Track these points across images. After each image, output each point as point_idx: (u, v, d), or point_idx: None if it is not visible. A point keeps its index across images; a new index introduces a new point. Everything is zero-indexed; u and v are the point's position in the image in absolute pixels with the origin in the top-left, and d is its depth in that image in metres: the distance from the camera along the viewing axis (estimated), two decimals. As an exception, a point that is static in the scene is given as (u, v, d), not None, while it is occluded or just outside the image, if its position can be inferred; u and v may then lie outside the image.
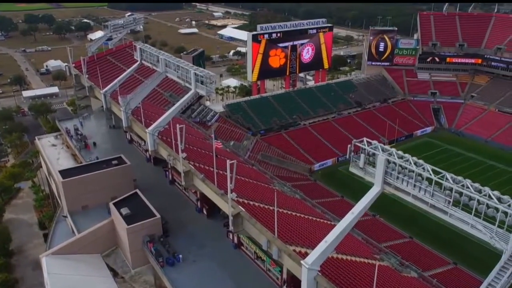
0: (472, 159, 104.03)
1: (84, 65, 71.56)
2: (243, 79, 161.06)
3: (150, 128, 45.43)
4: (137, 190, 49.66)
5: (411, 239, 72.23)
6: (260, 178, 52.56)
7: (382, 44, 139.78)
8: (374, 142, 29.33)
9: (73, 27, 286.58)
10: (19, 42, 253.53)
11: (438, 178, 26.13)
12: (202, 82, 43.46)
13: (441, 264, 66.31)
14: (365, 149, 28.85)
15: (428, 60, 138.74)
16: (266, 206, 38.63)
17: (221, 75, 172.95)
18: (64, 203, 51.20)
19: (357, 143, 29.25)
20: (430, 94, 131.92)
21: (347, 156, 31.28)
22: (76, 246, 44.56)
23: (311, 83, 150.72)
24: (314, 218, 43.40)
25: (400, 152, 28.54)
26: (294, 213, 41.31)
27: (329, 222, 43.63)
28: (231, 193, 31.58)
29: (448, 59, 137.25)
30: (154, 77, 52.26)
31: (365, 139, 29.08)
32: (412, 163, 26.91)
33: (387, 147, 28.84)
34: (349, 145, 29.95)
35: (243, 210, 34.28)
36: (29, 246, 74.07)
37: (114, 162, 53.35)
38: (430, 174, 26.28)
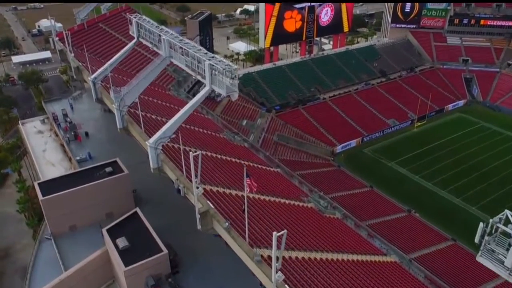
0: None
1: (68, 40, 58.89)
2: (252, 42, 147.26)
3: (152, 139, 34.55)
4: (137, 209, 39.41)
5: (454, 242, 62.70)
6: (290, 192, 42.17)
7: (408, 4, 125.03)
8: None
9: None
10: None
11: None
12: (221, 76, 32.15)
13: (493, 276, 57.25)
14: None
15: (456, 22, 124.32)
16: (312, 256, 28.60)
17: (228, 38, 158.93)
18: (47, 223, 41.21)
19: (498, 224, 18.37)
20: (461, 62, 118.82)
21: (476, 240, 20.41)
22: (61, 288, 34.87)
23: (327, 47, 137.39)
24: (371, 258, 33.50)
25: None
26: (346, 258, 31.39)
27: (391, 260, 33.63)
28: (276, 272, 21.18)
29: (482, 21, 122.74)
30: (155, 64, 40.70)
31: (507, 212, 18.12)
32: None
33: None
34: (481, 223, 19.06)
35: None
36: (17, 248, 64.93)
37: (109, 169, 42.78)
38: None
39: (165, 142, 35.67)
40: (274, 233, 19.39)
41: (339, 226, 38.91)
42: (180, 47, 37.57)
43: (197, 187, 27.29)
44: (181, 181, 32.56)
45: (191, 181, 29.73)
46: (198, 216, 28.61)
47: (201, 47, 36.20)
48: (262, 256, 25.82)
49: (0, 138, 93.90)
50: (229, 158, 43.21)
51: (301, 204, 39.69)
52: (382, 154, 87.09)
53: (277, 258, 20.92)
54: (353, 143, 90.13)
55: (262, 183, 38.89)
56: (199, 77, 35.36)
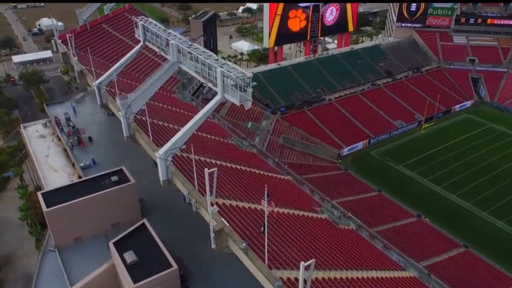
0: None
1: (71, 44, 57.14)
2: (255, 41, 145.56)
3: (161, 151, 32.96)
4: (145, 221, 37.94)
5: (466, 249, 61.32)
6: (303, 202, 40.78)
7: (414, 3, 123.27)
8: None
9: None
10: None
11: None
12: (234, 85, 30.61)
13: (507, 284, 55.80)
14: None
15: (463, 20, 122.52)
16: (332, 275, 27.17)
17: (230, 37, 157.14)
18: (51, 235, 39.79)
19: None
20: (468, 61, 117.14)
21: None
22: (67, 305, 33.51)
23: (331, 46, 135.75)
24: (391, 275, 32.10)
25: None
26: (366, 275, 29.96)
27: (410, 275, 32.18)
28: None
29: (489, 20, 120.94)
30: (162, 69, 39.11)
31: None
32: None
33: None
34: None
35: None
36: (19, 255, 63.57)
37: (114, 178, 41.30)
38: None
39: (175, 153, 34.17)
40: (302, 263, 17.95)
41: (355, 238, 37.47)
42: (189, 52, 35.99)
43: (212, 205, 25.83)
44: (193, 195, 31.06)
45: (203, 195, 28.24)
46: (212, 235, 27.15)
47: (211, 53, 34.66)
48: (282, 279, 24.41)
49: (1, 140, 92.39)
50: (239, 167, 41.74)
51: (314, 215, 38.25)
52: (390, 156, 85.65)
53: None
54: (360, 145, 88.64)
55: (274, 194, 37.48)
56: (210, 85, 33.84)
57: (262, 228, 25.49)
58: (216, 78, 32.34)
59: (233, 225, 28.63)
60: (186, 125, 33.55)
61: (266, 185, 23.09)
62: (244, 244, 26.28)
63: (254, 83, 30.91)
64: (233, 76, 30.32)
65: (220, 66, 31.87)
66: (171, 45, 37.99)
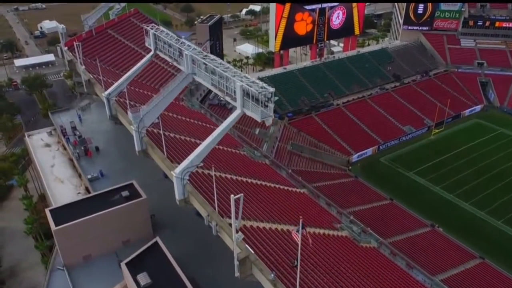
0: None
1: (78, 52, 55.38)
2: (260, 44, 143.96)
3: (178, 170, 31.36)
4: (158, 239, 36.34)
5: (482, 260, 59.70)
6: (322, 218, 39.21)
7: (421, 5, 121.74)
8: None
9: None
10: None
11: None
12: (255, 100, 29.03)
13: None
14: None
15: (471, 23, 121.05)
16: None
17: (234, 39, 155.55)
18: (59, 253, 38.21)
19: None
20: (476, 65, 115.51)
21: None
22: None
23: (336, 49, 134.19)
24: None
25: None
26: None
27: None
28: None
29: (497, 23, 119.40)
30: (176, 81, 37.47)
31: None
32: None
33: None
34: None
35: None
36: (24, 266, 61.98)
37: (125, 193, 39.73)
38: None
39: (192, 171, 32.61)
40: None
41: (377, 258, 35.90)
42: (204, 64, 34.39)
43: (237, 231, 24.26)
44: (213, 217, 29.45)
45: (223, 216, 26.62)
46: (236, 263, 25.55)
47: (228, 65, 33.11)
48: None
49: (4, 147, 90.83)
50: (254, 181, 40.16)
51: (335, 233, 36.70)
52: (400, 163, 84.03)
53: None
54: (369, 151, 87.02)
55: (293, 210, 35.94)
56: (227, 98, 32.25)
57: (296, 262, 23.94)
58: (234, 91, 30.79)
59: (258, 251, 27.04)
60: (204, 141, 31.99)
61: (301, 217, 21.52)
62: (272, 275, 24.69)
63: (276, 98, 29.14)
64: (254, 91, 28.76)
65: (240, 80, 30.29)
66: (185, 55, 36.38)
